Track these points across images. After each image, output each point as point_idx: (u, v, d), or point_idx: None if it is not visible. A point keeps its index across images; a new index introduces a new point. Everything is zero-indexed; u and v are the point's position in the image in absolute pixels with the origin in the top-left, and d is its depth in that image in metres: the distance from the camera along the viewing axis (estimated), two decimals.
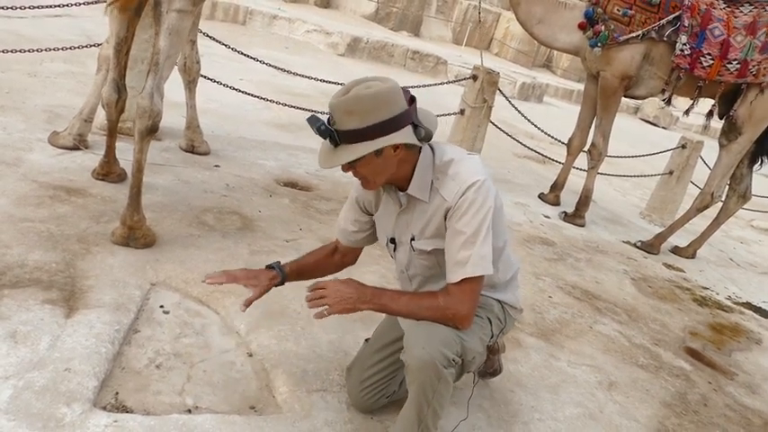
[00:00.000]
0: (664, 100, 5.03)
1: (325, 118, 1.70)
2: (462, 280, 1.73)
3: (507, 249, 1.98)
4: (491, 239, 1.75)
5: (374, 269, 3.14)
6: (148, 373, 2.06)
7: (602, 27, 4.62)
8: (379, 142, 1.65)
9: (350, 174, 1.77)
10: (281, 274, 2.00)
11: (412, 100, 1.72)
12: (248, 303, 1.94)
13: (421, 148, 1.78)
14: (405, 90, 1.71)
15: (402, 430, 1.79)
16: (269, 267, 2.02)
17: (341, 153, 1.67)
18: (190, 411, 1.95)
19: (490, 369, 2.42)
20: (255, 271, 2.00)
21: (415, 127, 1.70)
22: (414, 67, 11.83)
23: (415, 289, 1.99)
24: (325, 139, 1.68)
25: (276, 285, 2.01)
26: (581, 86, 15.62)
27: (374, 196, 1.97)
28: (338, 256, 2.13)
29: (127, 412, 1.87)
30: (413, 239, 1.87)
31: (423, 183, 1.79)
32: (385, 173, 1.76)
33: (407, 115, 1.68)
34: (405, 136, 1.67)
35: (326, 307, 1.75)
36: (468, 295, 1.74)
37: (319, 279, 1.88)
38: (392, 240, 1.95)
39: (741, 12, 4.60)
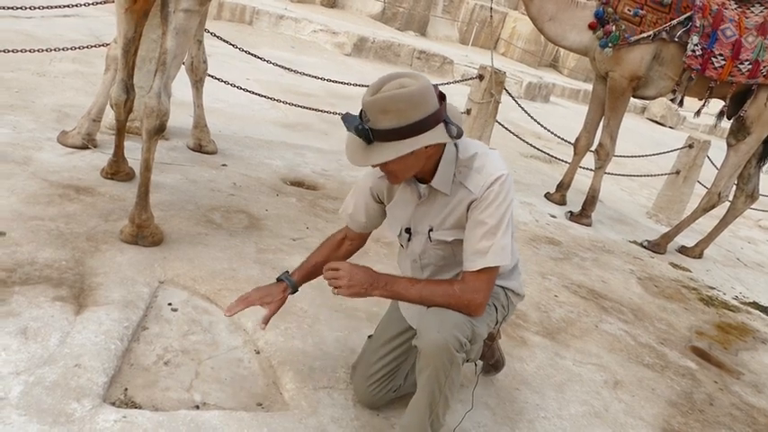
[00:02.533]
0: (672, 100, 5.00)
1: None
2: (480, 269, 1.76)
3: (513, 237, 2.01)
4: (511, 232, 1.79)
5: (379, 267, 3.14)
6: (157, 370, 2.08)
7: (613, 27, 4.60)
8: (414, 142, 1.64)
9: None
10: (291, 285, 2.04)
11: (442, 97, 1.72)
12: (266, 320, 2.00)
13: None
14: (435, 87, 1.72)
15: (413, 418, 1.80)
16: (279, 280, 2.06)
17: (375, 151, 1.67)
18: (198, 407, 1.97)
19: (491, 360, 2.42)
20: (267, 288, 2.04)
21: (446, 124, 1.70)
22: (420, 67, 11.83)
23: (427, 278, 2.01)
24: (360, 137, 1.68)
25: (290, 294, 2.06)
26: (588, 86, 15.60)
27: (387, 187, 1.98)
28: (346, 245, 2.15)
29: (136, 408, 1.89)
30: (431, 230, 1.90)
31: (446, 176, 1.82)
32: (414, 169, 1.78)
33: (440, 114, 1.68)
34: (438, 135, 1.67)
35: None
36: (484, 284, 1.78)
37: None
38: (407, 230, 1.97)
39: (752, 12, 4.58)
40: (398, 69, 11.03)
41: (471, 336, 1.77)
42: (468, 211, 1.81)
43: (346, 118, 1.67)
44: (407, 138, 1.64)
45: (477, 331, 1.80)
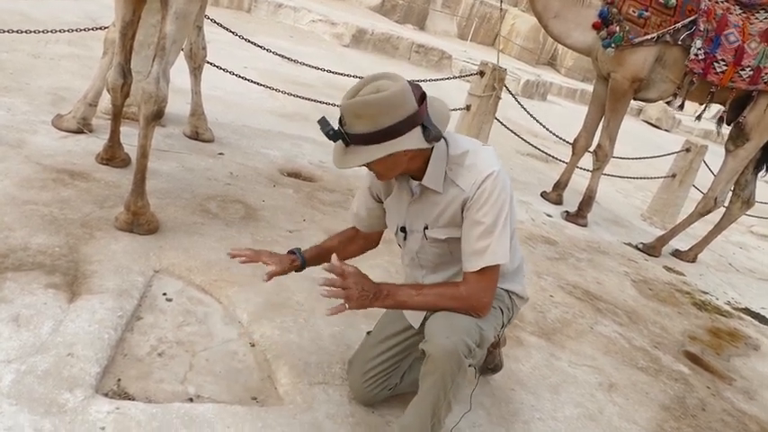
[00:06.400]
0: (670, 102, 5.00)
1: (334, 115, 1.71)
2: (482, 269, 1.75)
3: (515, 239, 2.00)
4: (509, 229, 1.77)
5: (378, 262, 3.13)
6: (151, 361, 2.05)
7: (617, 28, 4.57)
8: (388, 147, 1.63)
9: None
10: (301, 260, 2.03)
11: (422, 97, 1.69)
12: (270, 276, 1.95)
13: None
14: (415, 86, 1.68)
15: (414, 420, 1.78)
16: (290, 252, 2.04)
17: (352, 155, 1.67)
18: (191, 400, 1.94)
19: (491, 364, 2.43)
20: (277, 254, 2.02)
21: (425, 128, 1.67)
22: (418, 61, 11.78)
23: (424, 275, 1.99)
24: (335, 141, 1.69)
25: (296, 270, 2.04)
26: (585, 86, 15.60)
27: (385, 185, 1.98)
28: (361, 241, 2.14)
29: (129, 399, 1.86)
30: (426, 228, 1.88)
31: (437, 174, 1.80)
32: (397, 168, 1.77)
33: (417, 117, 1.65)
34: (413, 141, 1.65)
35: (342, 301, 1.70)
36: (488, 284, 1.77)
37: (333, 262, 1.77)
38: (402, 229, 1.95)
39: (756, 18, 4.56)
40: (396, 62, 10.99)
41: (480, 340, 1.76)
42: (462, 210, 1.79)
43: (321, 122, 1.66)
44: (380, 142, 1.63)
45: (485, 335, 1.79)
